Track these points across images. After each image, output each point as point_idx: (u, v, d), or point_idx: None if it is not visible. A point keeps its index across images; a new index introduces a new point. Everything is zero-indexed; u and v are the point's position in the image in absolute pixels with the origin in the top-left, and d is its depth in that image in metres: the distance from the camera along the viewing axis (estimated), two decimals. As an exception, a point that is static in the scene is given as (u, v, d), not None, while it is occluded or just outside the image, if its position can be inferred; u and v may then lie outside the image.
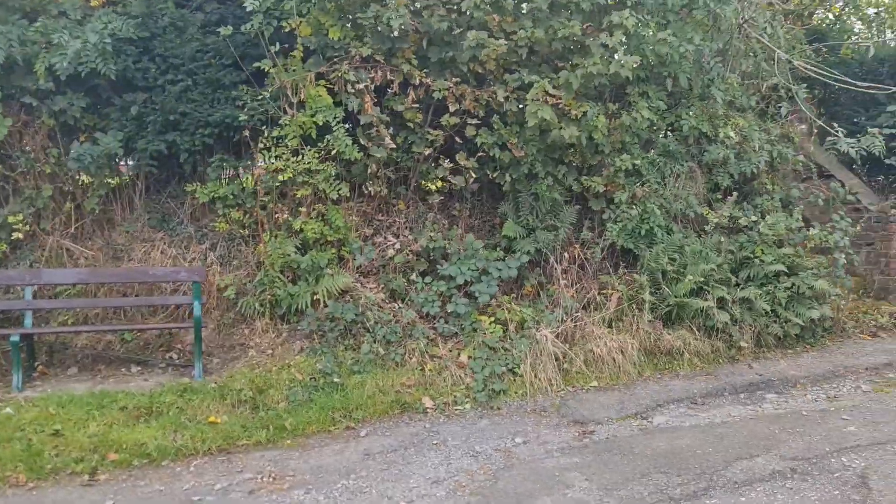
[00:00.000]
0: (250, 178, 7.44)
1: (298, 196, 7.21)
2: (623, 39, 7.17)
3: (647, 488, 4.72)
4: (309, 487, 4.88)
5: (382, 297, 7.37)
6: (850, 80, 8.12)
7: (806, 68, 8.22)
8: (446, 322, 7.17)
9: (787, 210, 8.31)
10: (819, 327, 7.80)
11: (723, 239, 7.92)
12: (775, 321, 7.59)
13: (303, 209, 7.29)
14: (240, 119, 7.17)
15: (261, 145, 7.14)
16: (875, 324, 8.39)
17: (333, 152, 7.13)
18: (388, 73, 7.23)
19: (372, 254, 7.45)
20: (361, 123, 7.22)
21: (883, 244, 9.05)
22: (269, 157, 7.14)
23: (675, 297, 7.38)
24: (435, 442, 5.72)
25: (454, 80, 7.27)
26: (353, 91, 7.09)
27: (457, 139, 7.58)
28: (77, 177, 7.64)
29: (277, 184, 7.22)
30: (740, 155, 8.16)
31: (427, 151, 7.43)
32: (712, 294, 7.44)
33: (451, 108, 7.33)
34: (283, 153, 7.11)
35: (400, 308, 7.25)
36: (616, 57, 7.12)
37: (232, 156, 7.71)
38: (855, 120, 9.38)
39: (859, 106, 9.74)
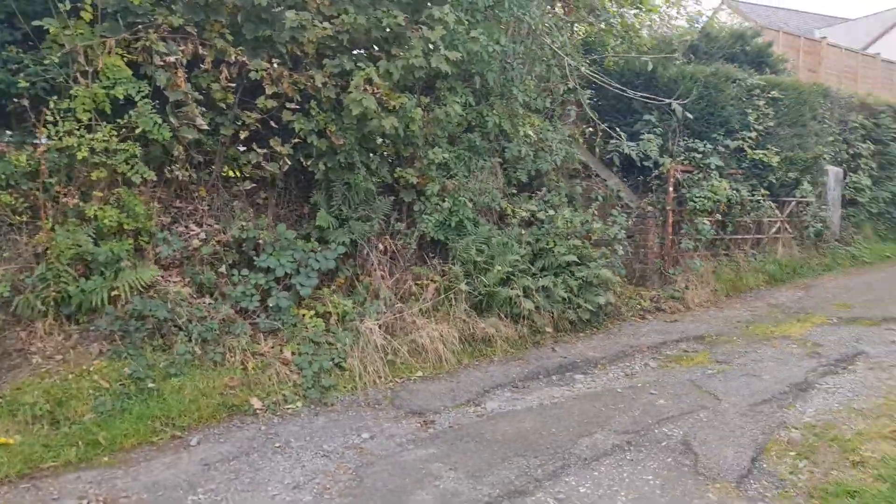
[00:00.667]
0: (24, 155, 6.34)
1: (93, 178, 6.30)
2: (443, 34, 7.27)
3: (511, 472, 4.88)
4: (154, 508, 4.34)
5: (190, 292, 6.74)
6: (625, 89, 9.09)
7: (592, 75, 9.03)
8: (267, 317, 6.76)
9: (571, 205, 9.06)
10: (603, 312, 8.63)
11: (523, 231, 8.41)
12: (570, 307, 8.24)
13: (97, 193, 6.39)
14: (18, 86, 6.09)
15: (48, 118, 6.11)
16: (641, 307, 9.48)
17: (138, 131, 6.34)
18: (200, 47, 6.61)
19: (178, 244, 6.76)
20: (171, 101, 6.51)
21: (641, 237, 10.28)
22: (57, 133, 6.15)
23: (486, 286, 7.70)
24: (277, 445, 5.38)
25: (274, 60, 6.86)
26: (161, 64, 6.36)
27: (272, 124, 7.15)
28: None
29: (65, 162, 6.25)
30: (537, 153, 8.72)
31: (243, 135, 6.93)
32: (518, 283, 7.89)
33: (269, 91, 6.90)
34: (75, 129, 6.17)
35: (213, 303, 6.69)
36: (438, 51, 7.21)
37: (1, 127, 6.53)
38: (615, 126, 10.46)
39: (618, 113, 10.91)
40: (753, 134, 11.26)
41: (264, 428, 5.69)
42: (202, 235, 7.12)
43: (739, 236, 11.33)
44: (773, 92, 11.79)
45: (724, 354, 7.54)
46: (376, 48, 7.53)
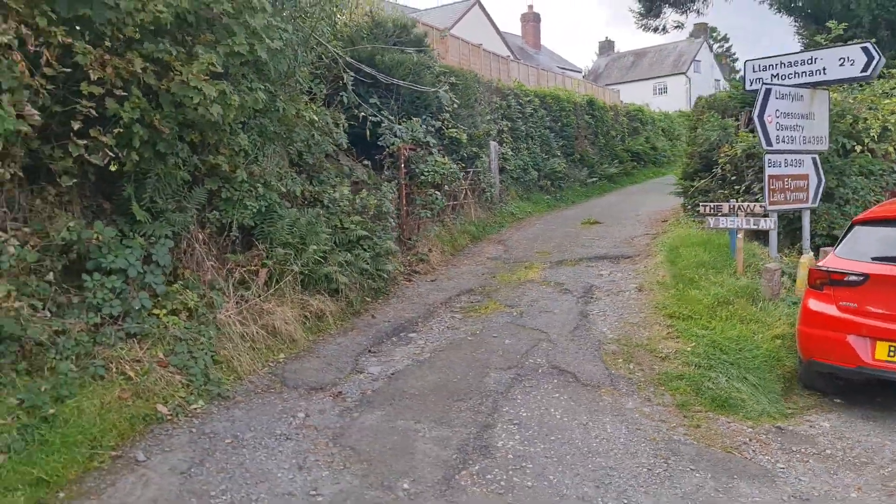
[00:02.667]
0: None
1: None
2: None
3: (464, 413, 5.76)
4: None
5: (24, 305, 5.94)
6: (381, 76, 9.97)
7: (349, 62, 9.70)
8: (130, 320, 6.30)
9: (342, 184, 9.76)
10: (390, 278, 9.59)
11: (320, 211, 8.90)
12: (369, 278, 9.05)
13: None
14: None
15: None
16: (400, 271, 10.63)
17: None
18: (23, 26, 5.78)
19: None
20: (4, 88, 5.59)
21: (382, 209, 11.36)
22: None
23: (306, 266, 8.10)
24: (228, 441, 5.40)
25: (103, 44, 6.29)
26: (-10, 44, 5.46)
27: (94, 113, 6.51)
28: None
29: None
30: (321, 137, 9.19)
31: (76, 126, 6.23)
32: (332, 260, 8.44)
33: (94, 77, 6.31)
34: None
35: (57, 315, 6.01)
36: (262, 40, 7.31)
37: None
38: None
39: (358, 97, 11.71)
40: (447, 115, 13.11)
41: (195, 430, 5.56)
42: (14, 241, 6.22)
43: (449, 203, 13.17)
44: (452, 78, 13.80)
45: (505, 300, 9.17)
46: (189, 35, 7.27)
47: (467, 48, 21.44)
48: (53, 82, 6.11)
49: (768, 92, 9.38)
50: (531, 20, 50.92)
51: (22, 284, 5.95)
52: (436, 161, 11.77)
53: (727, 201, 10.01)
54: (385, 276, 9.29)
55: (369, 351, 7.46)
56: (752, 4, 25.30)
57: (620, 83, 57.65)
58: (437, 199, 11.63)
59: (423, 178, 11.54)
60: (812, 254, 8.91)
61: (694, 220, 12.03)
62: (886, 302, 5.78)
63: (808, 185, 9.81)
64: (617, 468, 4.87)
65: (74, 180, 6.58)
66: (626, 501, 4.45)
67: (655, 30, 21.67)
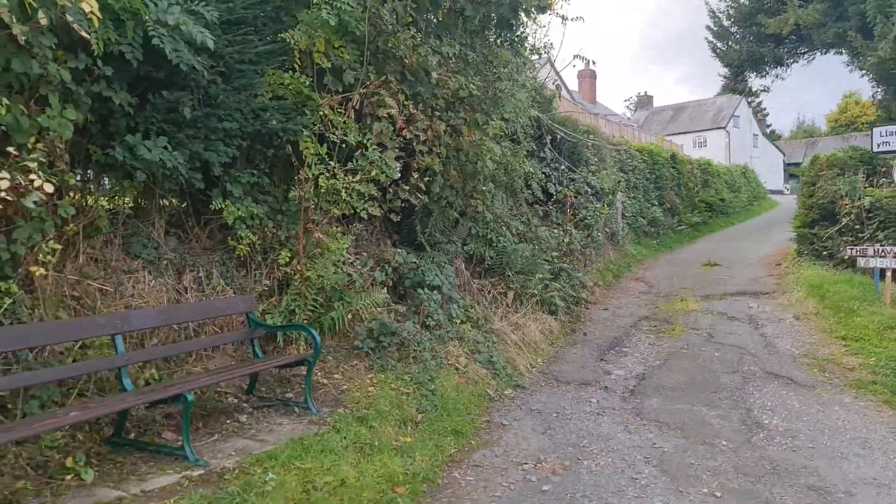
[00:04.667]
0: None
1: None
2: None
3: (730, 395, 7.49)
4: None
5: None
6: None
7: (550, 124, 11.72)
8: (450, 326, 8.16)
9: (542, 225, 11.66)
10: (583, 304, 11.42)
11: (534, 247, 10.78)
12: (572, 303, 10.86)
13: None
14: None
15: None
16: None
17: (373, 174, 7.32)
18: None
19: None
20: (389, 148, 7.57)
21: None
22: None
23: (537, 290, 9.94)
24: (568, 414, 7.14)
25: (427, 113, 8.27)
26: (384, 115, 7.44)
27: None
28: None
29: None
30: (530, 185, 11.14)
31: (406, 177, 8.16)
32: (552, 287, 10.28)
33: (422, 138, 8.26)
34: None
35: (398, 320, 7.86)
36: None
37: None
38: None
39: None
40: (593, 167, 15.11)
41: (523, 407, 7.34)
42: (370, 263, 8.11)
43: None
44: (591, 136, 15.88)
45: (687, 324, 10.91)
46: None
47: (575, 105, 23.51)
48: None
49: (907, 155, 11.19)
50: (588, 76, 53.36)
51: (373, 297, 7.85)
52: (595, 207, 13.66)
53: (854, 247, 11.77)
54: (581, 302, 11.09)
55: (601, 359, 9.22)
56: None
57: (658, 136, 59.79)
58: (597, 239, 13.50)
59: (585, 221, 13.42)
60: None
61: (815, 263, 13.71)
62: None
63: (932, 234, 11.53)
64: (867, 437, 6.54)
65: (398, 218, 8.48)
66: (885, 458, 6.09)
67: (741, 92, 23.60)
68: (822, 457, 6.10)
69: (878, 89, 20.61)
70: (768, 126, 75.24)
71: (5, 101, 4.54)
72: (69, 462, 4.55)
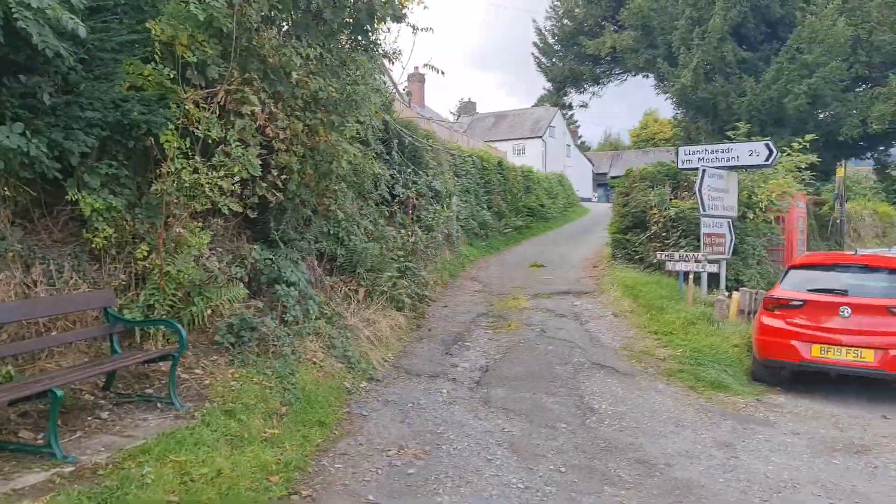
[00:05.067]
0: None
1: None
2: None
3: (564, 383, 8.26)
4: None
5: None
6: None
7: (397, 127, 12.07)
8: (306, 322, 8.32)
9: (387, 225, 12.04)
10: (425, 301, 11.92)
11: (381, 246, 11.14)
12: (416, 300, 11.35)
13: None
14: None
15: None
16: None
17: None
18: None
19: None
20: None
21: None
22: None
23: (386, 287, 10.33)
24: (423, 405, 7.57)
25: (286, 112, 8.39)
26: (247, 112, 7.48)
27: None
28: None
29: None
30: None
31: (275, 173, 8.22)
32: (398, 285, 10.71)
33: (281, 136, 8.37)
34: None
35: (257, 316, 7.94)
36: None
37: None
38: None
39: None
40: (431, 170, 15.70)
41: (380, 399, 7.71)
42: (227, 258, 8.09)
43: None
44: (429, 140, 16.51)
45: (520, 321, 11.74)
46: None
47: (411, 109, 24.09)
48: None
49: (704, 172, 12.75)
50: (417, 80, 54.45)
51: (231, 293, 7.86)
52: (435, 210, 14.26)
53: (662, 252, 13.28)
54: (424, 299, 11.62)
55: (447, 353, 9.77)
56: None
57: (484, 142, 62.37)
58: (437, 239, 14.10)
59: (427, 222, 13.98)
60: (738, 292, 12.22)
61: (628, 265, 15.23)
62: (818, 318, 8.92)
63: (725, 241, 13.23)
64: (679, 418, 7.54)
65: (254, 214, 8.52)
66: (695, 434, 7.09)
67: (562, 106, 25.42)
68: (645, 435, 6.98)
69: (678, 111, 23.05)
70: (579, 138, 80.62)
71: None
72: (-74, 463, 4.32)
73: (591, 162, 72.53)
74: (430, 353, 9.63)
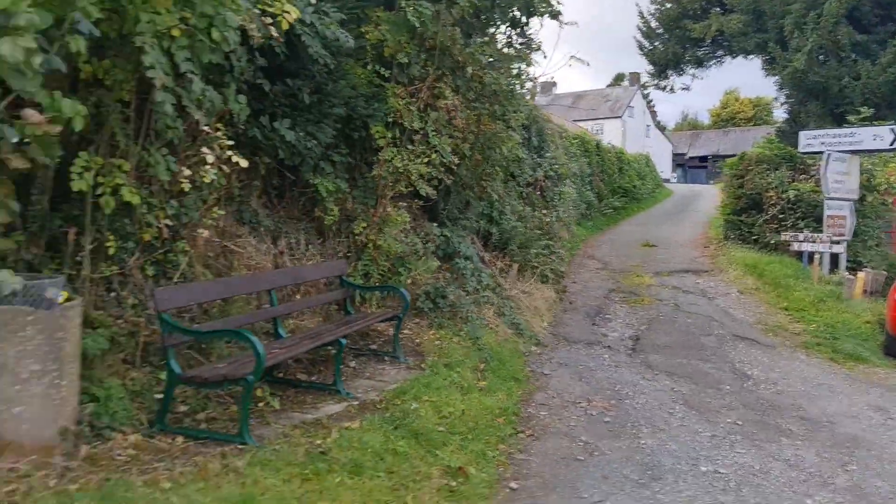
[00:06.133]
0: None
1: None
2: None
3: (713, 353, 9.08)
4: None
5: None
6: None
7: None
8: (481, 291, 9.35)
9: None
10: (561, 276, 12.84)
11: (526, 225, 12.08)
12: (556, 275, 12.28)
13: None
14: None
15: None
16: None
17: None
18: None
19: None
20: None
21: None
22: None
23: (536, 263, 11.27)
24: (592, 367, 8.51)
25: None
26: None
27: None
28: None
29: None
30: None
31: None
32: (543, 260, 11.64)
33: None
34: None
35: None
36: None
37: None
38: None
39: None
40: (550, 155, 16.59)
41: (553, 361, 8.67)
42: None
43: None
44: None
45: (651, 296, 12.54)
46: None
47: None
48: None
49: (829, 156, 13.22)
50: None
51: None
52: (561, 191, 15.12)
53: (787, 233, 13.82)
54: (561, 275, 12.53)
55: (593, 324, 10.67)
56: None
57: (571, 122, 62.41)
58: (563, 219, 14.98)
59: (554, 203, 14.87)
60: (863, 272, 12.69)
61: (742, 246, 15.79)
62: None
63: (846, 223, 13.67)
64: (830, 384, 8.27)
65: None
66: (848, 399, 7.80)
67: (664, 89, 25.90)
68: (802, 397, 7.74)
69: (782, 93, 23.19)
70: (655, 117, 79.59)
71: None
72: (259, 392, 5.47)
73: (670, 142, 71.63)
74: (578, 324, 10.55)
